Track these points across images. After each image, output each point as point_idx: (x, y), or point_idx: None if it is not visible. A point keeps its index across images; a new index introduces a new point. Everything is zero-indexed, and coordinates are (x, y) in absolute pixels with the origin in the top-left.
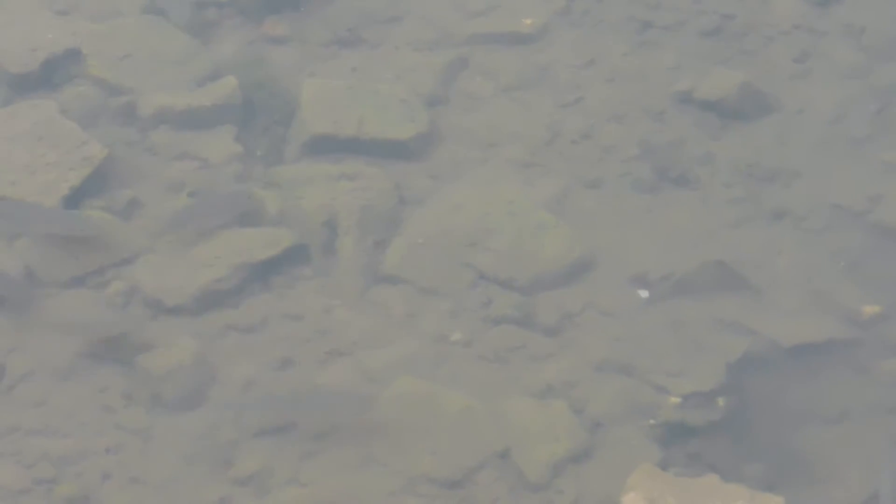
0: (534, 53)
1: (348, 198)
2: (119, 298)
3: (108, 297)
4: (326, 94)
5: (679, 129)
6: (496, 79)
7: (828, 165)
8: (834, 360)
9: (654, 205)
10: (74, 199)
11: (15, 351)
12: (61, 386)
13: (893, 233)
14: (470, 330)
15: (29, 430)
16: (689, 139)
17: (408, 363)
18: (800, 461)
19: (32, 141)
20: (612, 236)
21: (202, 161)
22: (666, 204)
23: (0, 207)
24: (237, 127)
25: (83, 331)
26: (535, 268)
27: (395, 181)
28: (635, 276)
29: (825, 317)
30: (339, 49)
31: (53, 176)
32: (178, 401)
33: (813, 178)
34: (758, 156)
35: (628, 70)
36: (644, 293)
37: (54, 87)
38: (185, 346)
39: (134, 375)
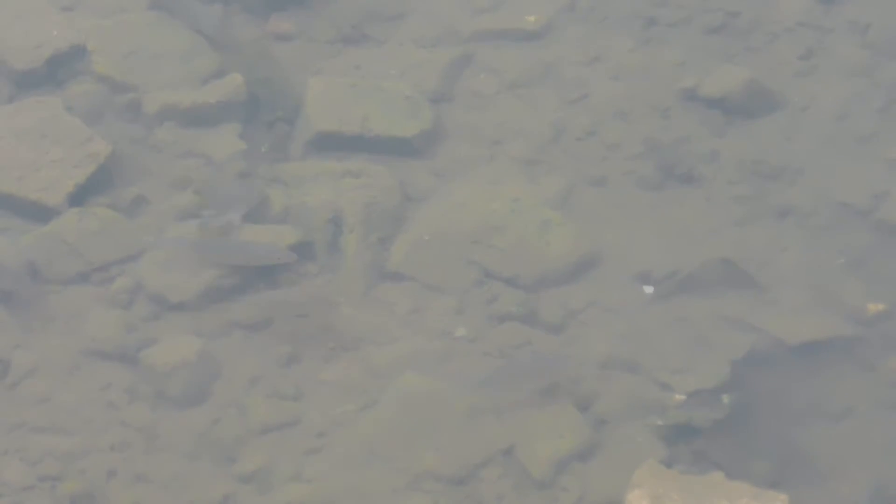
0: (538, 50)
1: (353, 195)
2: (124, 295)
3: (113, 294)
4: (331, 91)
5: (684, 126)
6: (501, 76)
7: (833, 163)
8: (838, 357)
9: (659, 202)
10: (79, 197)
11: (19, 347)
12: (66, 382)
13: None
14: (474, 327)
15: (33, 427)
16: (694, 136)
17: (412, 360)
18: (804, 458)
19: (37, 138)
20: (616, 234)
21: (207, 158)
22: (671, 201)
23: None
24: (242, 124)
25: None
26: (539, 265)
27: (400, 178)
28: (640, 274)
29: (830, 314)
30: (343, 46)
31: (58, 173)
32: (182, 397)
33: (818, 176)
34: (763, 153)
35: (633, 67)
36: (649, 289)
37: (59, 83)
38: (189, 342)
39: (138, 372)
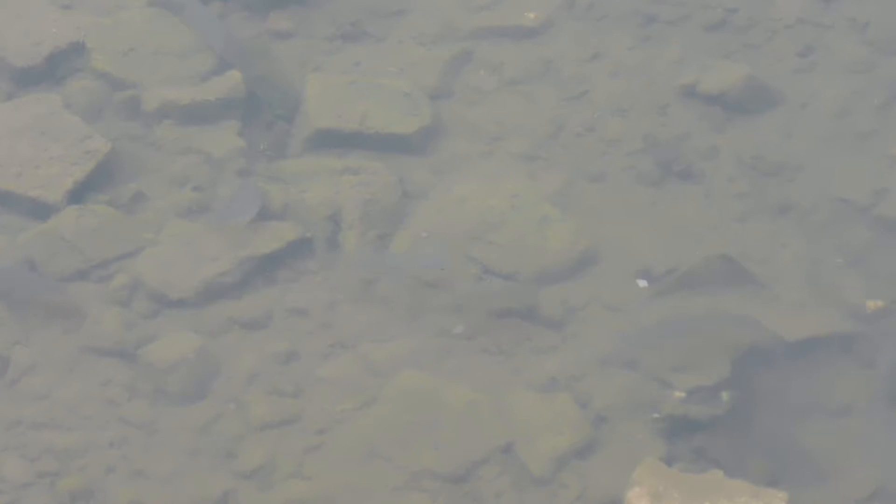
0: (538, 47)
1: (352, 192)
2: (123, 292)
3: (112, 291)
4: (330, 88)
5: (683, 122)
6: (500, 72)
7: (832, 159)
8: (838, 354)
9: (658, 198)
10: (79, 194)
11: (19, 344)
12: (65, 379)
13: None
14: (473, 323)
15: (32, 424)
16: (693, 133)
17: (411, 357)
18: (804, 456)
19: (36, 135)
20: (616, 230)
21: (206, 155)
22: (670, 198)
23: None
24: (241, 121)
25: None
26: (539, 261)
27: (399, 175)
28: (639, 270)
29: (829, 311)
30: (343, 43)
31: (57, 170)
32: (181, 394)
33: (817, 172)
34: (762, 149)
35: (632, 64)
36: (643, 283)
37: (58, 80)
38: (188, 339)
39: (137, 369)
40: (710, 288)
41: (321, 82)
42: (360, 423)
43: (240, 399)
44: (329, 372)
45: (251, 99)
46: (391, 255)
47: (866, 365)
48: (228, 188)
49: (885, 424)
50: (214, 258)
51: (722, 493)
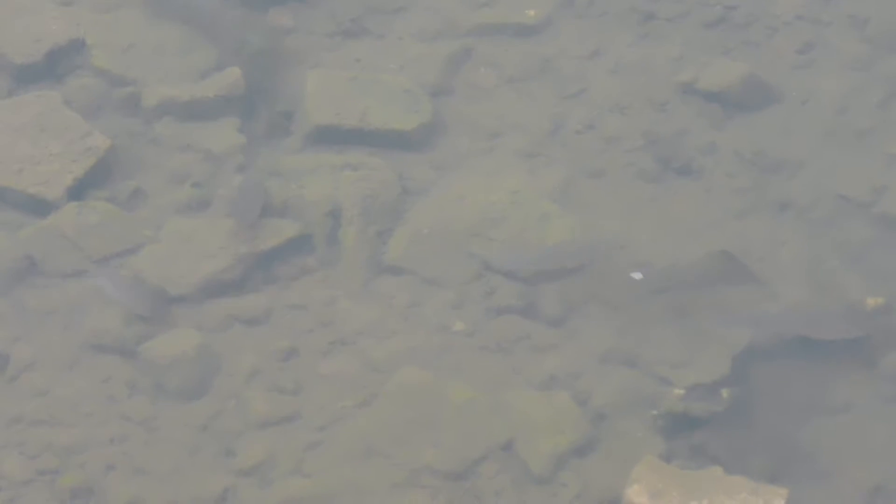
0: (538, 44)
1: (352, 188)
2: None
3: None
4: (330, 84)
5: (683, 119)
6: (500, 69)
7: (832, 156)
8: (838, 351)
9: (657, 195)
10: (78, 191)
11: (19, 340)
12: (65, 376)
13: None
14: (473, 320)
15: (32, 421)
16: (692, 130)
17: (411, 354)
18: (803, 453)
19: (36, 132)
20: (615, 227)
21: (206, 152)
22: (670, 194)
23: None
24: (241, 118)
25: None
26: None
27: (399, 171)
28: (639, 267)
29: (830, 308)
30: (343, 40)
31: (57, 167)
32: (181, 391)
33: (817, 169)
34: (762, 146)
35: (632, 61)
36: (637, 275)
37: (58, 78)
38: (188, 336)
39: (138, 365)
40: (709, 284)
41: (321, 78)
42: (360, 420)
43: (240, 396)
44: (329, 369)
45: (251, 95)
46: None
47: (866, 362)
48: (230, 186)
49: (885, 421)
50: (214, 255)
51: (721, 489)
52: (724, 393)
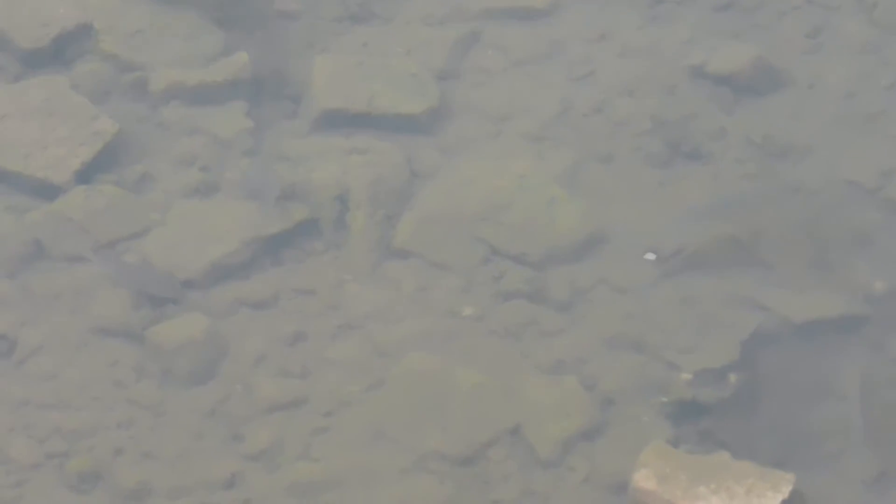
0: (545, 28)
1: (360, 172)
2: None
3: None
4: (338, 69)
5: (691, 103)
6: (508, 53)
7: (840, 141)
8: (846, 336)
9: (666, 179)
10: (86, 175)
11: (26, 324)
12: (72, 360)
13: None
14: (481, 305)
15: (40, 405)
16: (701, 113)
17: (419, 338)
18: (811, 438)
19: (44, 116)
20: (624, 211)
21: (213, 136)
22: (678, 178)
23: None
24: (248, 102)
25: None
26: (546, 242)
27: (407, 155)
28: (648, 251)
29: (837, 293)
30: (350, 24)
31: (65, 151)
32: (189, 375)
33: (825, 154)
34: (770, 131)
35: (640, 44)
36: (651, 256)
37: (66, 62)
38: (196, 320)
39: (145, 350)
40: (717, 269)
41: (329, 63)
42: (368, 404)
43: (247, 380)
44: (337, 353)
45: (258, 80)
46: None
47: (874, 347)
48: (238, 170)
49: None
50: (221, 239)
51: (729, 474)
52: (732, 378)
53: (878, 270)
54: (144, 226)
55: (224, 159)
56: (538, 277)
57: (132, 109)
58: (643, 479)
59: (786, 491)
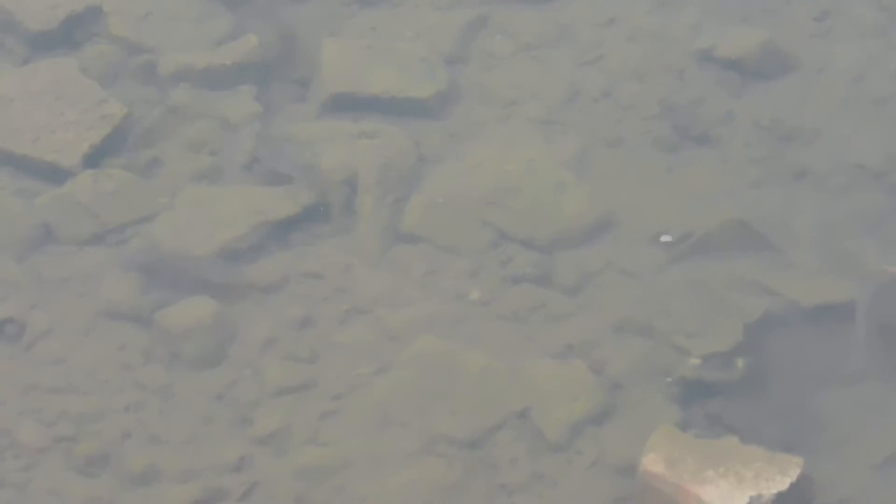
0: (554, 12)
1: (368, 156)
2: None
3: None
4: (346, 53)
5: (700, 87)
6: (516, 37)
7: (849, 124)
8: (854, 319)
9: (674, 163)
10: (94, 158)
11: (35, 308)
12: (81, 344)
13: None
14: (489, 289)
15: (48, 388)
16: (709, 98)
17: (427, 322)
18: (819, 422)
19: (52, 99)
20: (632, 195)
21: (222, 120)
22: (686, 163)
23: None
24: (257, 86)
25: None
26: (554, 227)
27: (415, 139)
28: (656, 236)
29: (846, 277)
30: (359, 8)
31: (73, 135)
32: (197, 359)
33: (834, 138)
34: (779, 115)
35: (649, 28)
36: (666, 237)
37: (74, 45)
38: (204, 304)
39: (153, 334)
40: (725, 253)
41: (337, 47)
42: (376, 388)
43: (255, 364)
44: (345, 337)
45: (267, 63)
46: None
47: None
48: (245, 152)
49: None
50: (230, 223)
51: (737, 458)
52: (740, 362)
53: (887, 254)
54: (153, 209)
55: (233, 143)
56: (546, 261)
57: (141, 92)
58: (651, 463)
59: (794, 475)
